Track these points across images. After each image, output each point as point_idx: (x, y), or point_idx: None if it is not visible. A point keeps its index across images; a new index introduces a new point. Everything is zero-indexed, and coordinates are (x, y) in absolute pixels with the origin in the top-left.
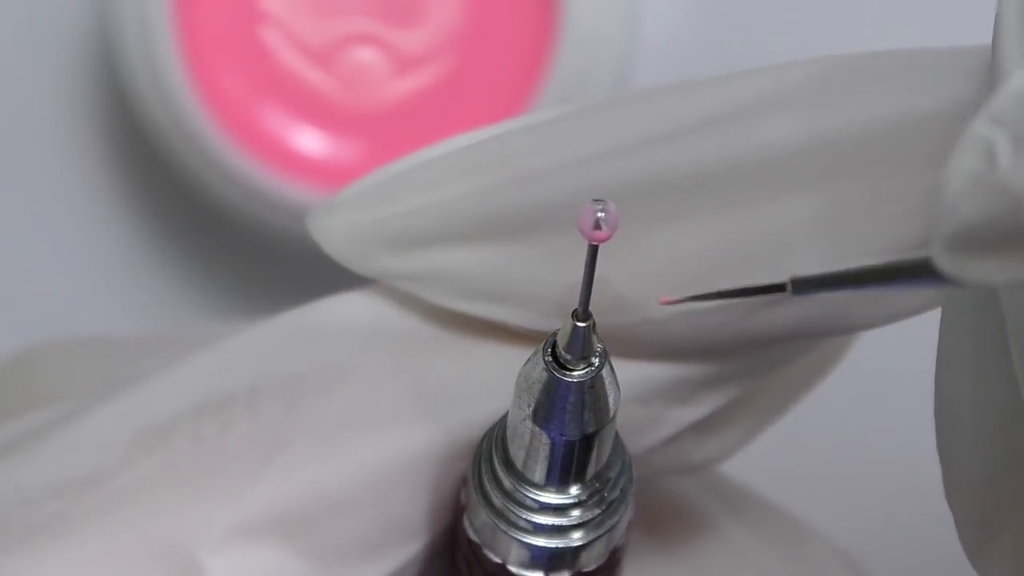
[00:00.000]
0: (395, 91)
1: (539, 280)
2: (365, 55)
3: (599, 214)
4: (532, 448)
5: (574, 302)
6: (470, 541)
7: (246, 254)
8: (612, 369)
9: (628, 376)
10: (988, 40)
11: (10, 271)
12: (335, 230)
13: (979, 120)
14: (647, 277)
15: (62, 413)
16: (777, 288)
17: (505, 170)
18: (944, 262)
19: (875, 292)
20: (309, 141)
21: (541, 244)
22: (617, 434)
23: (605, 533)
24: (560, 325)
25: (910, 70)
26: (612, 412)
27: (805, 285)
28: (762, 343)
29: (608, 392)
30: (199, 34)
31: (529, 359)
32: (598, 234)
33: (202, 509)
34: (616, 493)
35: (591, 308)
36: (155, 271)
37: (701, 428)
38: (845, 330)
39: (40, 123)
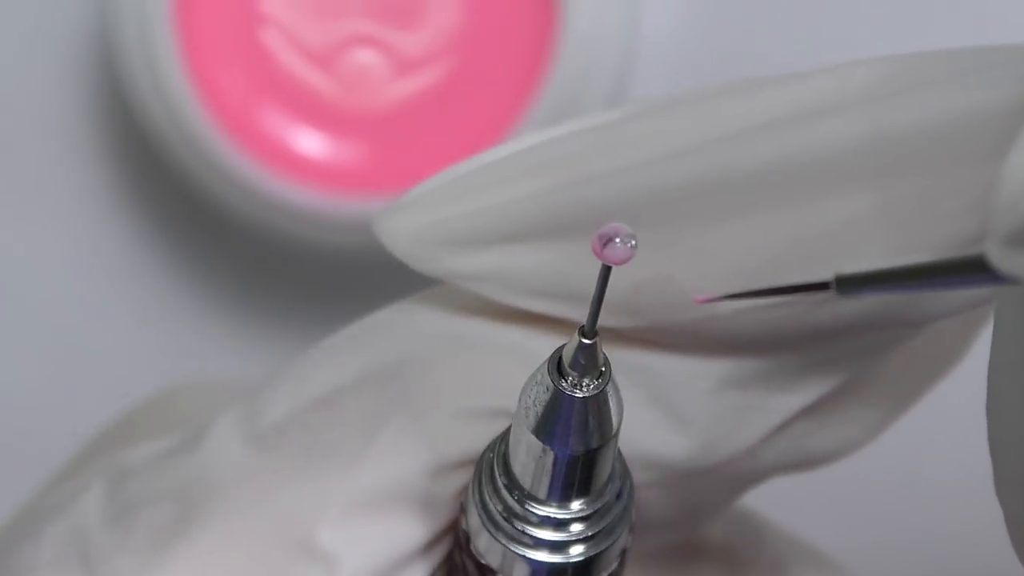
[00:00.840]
0: (395, 93)
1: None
2: (365, 57)
3: (617, 240)
4: (535, 462)
5: (639, 301)
6: (468, 552)
7: (247, 255)
8: (616, 385)
9: (721, 364)
10: (988, 39)
11: (10, 272)
12: (401, 230)
13: None
14: (710, 274)
15: (190, 432)
16: (821, 287)
17: (567, 171)
18: (1000, 259)
19: (924, 291)
20: (309, 143)
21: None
22: (619, 450)
23: (605, 549)
24: (625, 323)
25: (969, 68)
26: (615, 427)
27: (850, 283)
28: (830, 336)
29: (612, 408)
30: (199, 36)
31: (534, 374)
32: (614, 257)
33: (317, 488)
34: (618, 509)
35: (652, 304)
36: (156, 272)
37: (816, 416)
38: (907, 323)
39: (41, 125)
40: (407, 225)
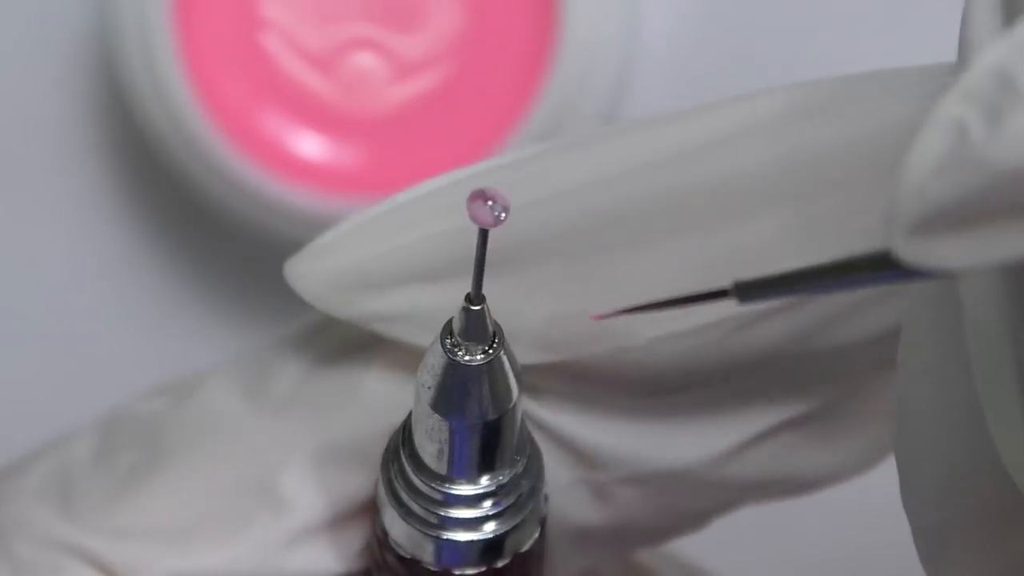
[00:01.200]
0: (395, 96)
1: (517, 314)
2: (365, 60)
3: (488, 202)
4: (437, 440)
5: (555, 334)
6: (388, 547)
7: (246, 258)
8: (512, 355)
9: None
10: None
11: (10, 273)
12: (312, 276)
13: (947, 99)
14: (626, 303)
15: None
16: (720, 294)
17: None
18: (906, 250)
19: (827, 291)
20: (309, 146)
21: (516, 279)
22: (524, 425)
23: (521, 522)
24: (543, 358)
25: (877, 89)
26: (513, 398)
27: (750, 289)
28: (753, 365)
29: (508, 377)
30: (199, 39)
31: (428, 349)
32: (478, 216)
33: (287, 438)
34: (528, 480)
35: (567, 338)
36: (155, 274)
37: (805, 433)
38: (820, 353)
39: (41, 128)
40: (318, 270)
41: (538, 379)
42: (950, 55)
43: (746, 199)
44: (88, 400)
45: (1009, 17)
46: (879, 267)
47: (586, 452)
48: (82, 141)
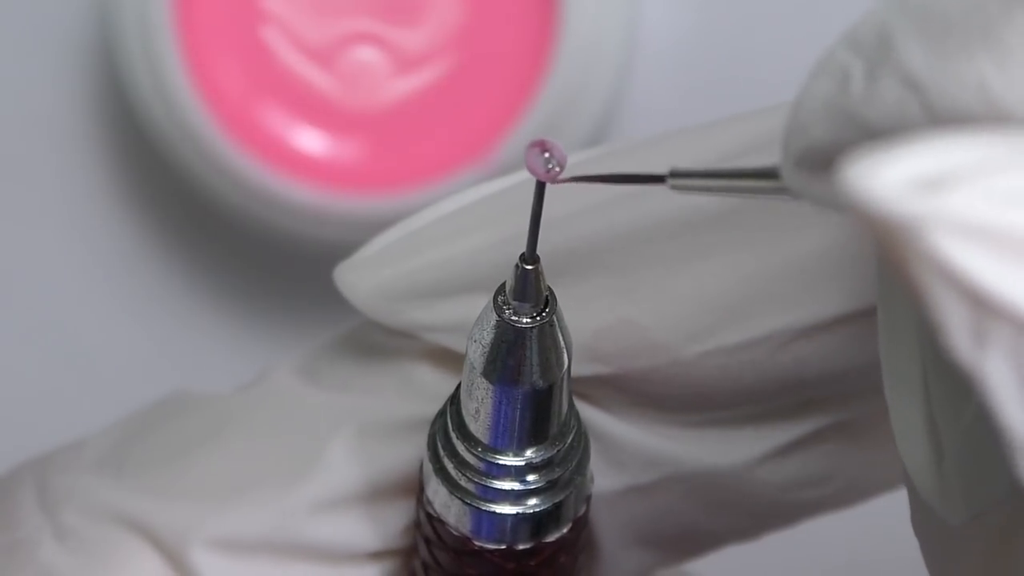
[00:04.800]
0: (395, 90)
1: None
2: (365, 54)
3: (546, 154)
4: (484, 406)
5: (604, 347)
6: (428, 515)
7: (246, 253)
8: (564, 326)
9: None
10: None
11: (10, 271)
12: (362, 285)
13: (839, 44)
14: (672, 316)
15: None
16: (658, 179)
17: (525, 219)
18: (790, 177)
19: (741, 195)
20: (309, 140)
21: (566, 291)
22: (572, 401)
23: (567, 497)
24: (592, 371)
25: None
26: (565, 366)
27: (682, 176)
28: (802, 381)
29: (560, 342)
30: (199, 34)
31: (480, 314)
32: (531, 164)
33: (339, 411)
34: (576, 455)
35: (617, 350)
36: (155, 270)
37: (851, 436)
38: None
39: (41, 124)
40: (368, 280)
41: (587, 389)
42: None
43: (794, 215)
44: (88, 396)
45: None
46: (773, 181)
47: (633, 455)
48: (82, 137)
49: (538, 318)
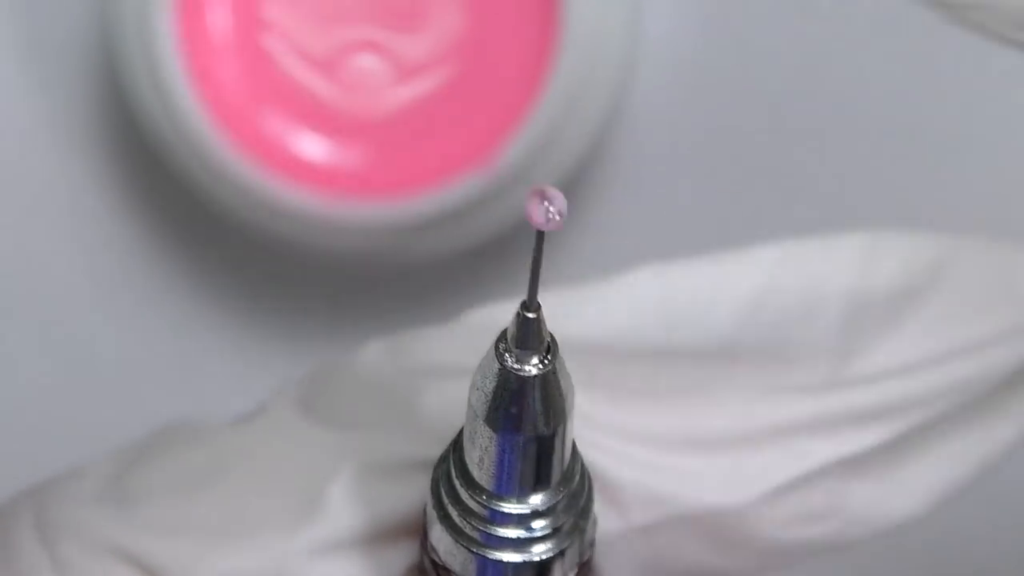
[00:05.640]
0: (397, 97)
1: None
2: (367, 61)
3: (545, 203)
4: (489, 454)
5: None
6: (432, 561)
7: (248, 260)
8: (566, 372)
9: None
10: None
11: (9, 275)
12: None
13: None
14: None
15: None
16: None
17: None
18: None
19: None
20: (311, 147)
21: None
22: (576, 446)
23: (571, 545)
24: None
25: None
26: (568, 412)
27: None
28: None
29: (561, 389)
30: (201, 41)
31: (482, 360)
32: (531, 213)
33: (336, 451)
34: (580, 503)
35: None
36: (157, 277)
37: (860, 469)
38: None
39: (41, 130)
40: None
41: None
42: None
43: None
44: (85, 399)
45: None
46: None
47: (634, 495)
48: (83, 142)
49: (541, 365)
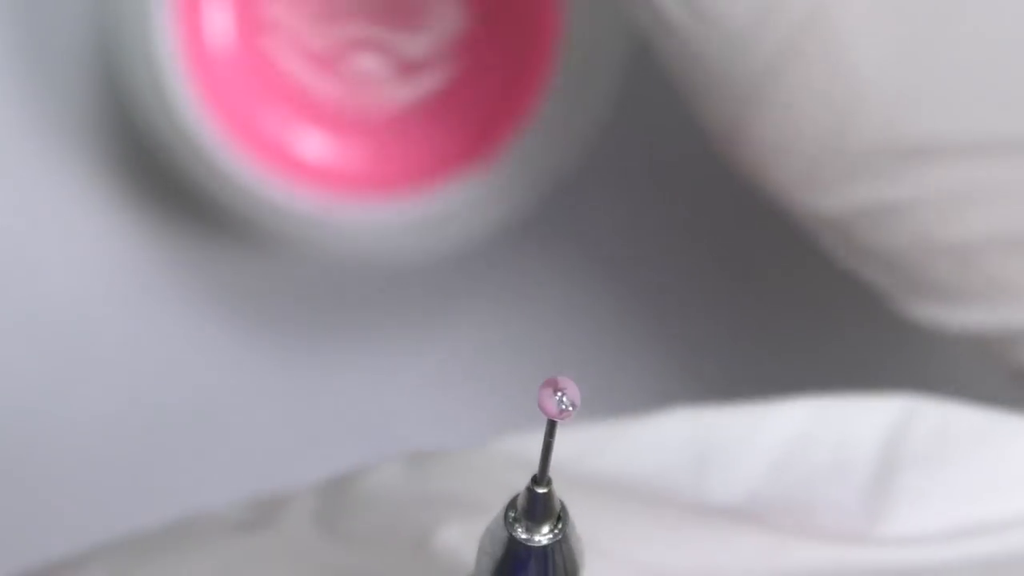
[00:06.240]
0: (398, 96)
1: None
2: (368, 60)
3: (558, 395)
4: None
5: None
6: None
7: (248, 259)
8: (576, 539)
9: None
10: None
11: (8, 273)
12: None
13: None
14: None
15: None
16: None
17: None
18: None
19: None
20: (312, 146)
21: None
22: None
23: None
24: None
25: None
26: None
27: None
28: None
29: (573, 557)
30: (201, 41)
31: (489, 525)
32: (544, 405)
33: None
34: None
35: None
36: (155, 275)
37: None
38: None
39: (41, 130)
40: None
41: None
42: None
43: None
44: (85, 400)
45: None
46: None
47: None
48: (83, 143)
49: (551, 535)
